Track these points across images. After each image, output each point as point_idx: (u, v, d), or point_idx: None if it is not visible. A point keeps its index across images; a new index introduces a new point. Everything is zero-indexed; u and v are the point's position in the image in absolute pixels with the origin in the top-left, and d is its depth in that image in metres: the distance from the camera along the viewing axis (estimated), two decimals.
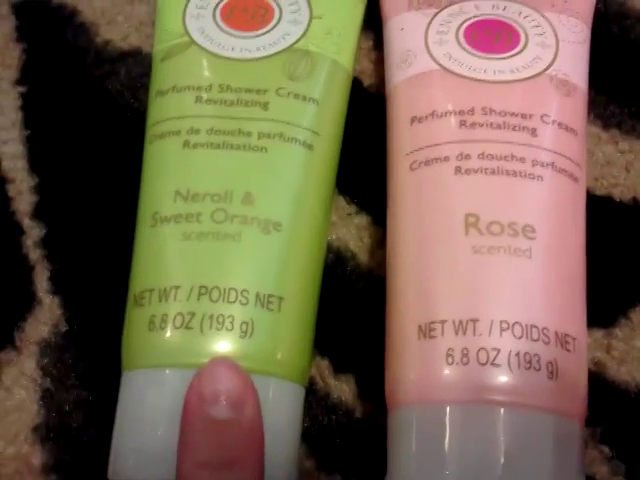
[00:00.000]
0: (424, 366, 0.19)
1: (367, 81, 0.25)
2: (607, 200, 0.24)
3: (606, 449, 0.21)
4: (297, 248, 0.20)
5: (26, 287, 0.23)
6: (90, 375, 0.22)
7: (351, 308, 0.22)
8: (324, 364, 0.22)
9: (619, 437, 0.21)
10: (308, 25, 0.23)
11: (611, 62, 0.25)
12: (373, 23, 0.25)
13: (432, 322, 0.19)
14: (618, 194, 0.24)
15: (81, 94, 0.25)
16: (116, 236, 0.23)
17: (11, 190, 0.24)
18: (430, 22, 0.23)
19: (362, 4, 0.24)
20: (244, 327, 0.18)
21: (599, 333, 0.22)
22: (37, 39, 0.26)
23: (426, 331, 0.19)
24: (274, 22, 0.22)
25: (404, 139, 0.22)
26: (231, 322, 0.18)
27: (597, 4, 0.25)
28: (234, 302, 0.18)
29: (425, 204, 0.20)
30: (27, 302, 0.23)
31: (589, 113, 0.25)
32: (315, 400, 0.22)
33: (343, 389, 0.22)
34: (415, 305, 0.19)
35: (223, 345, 0.18)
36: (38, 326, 0.22)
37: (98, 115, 0.25)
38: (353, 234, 0.23)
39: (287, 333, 0.19)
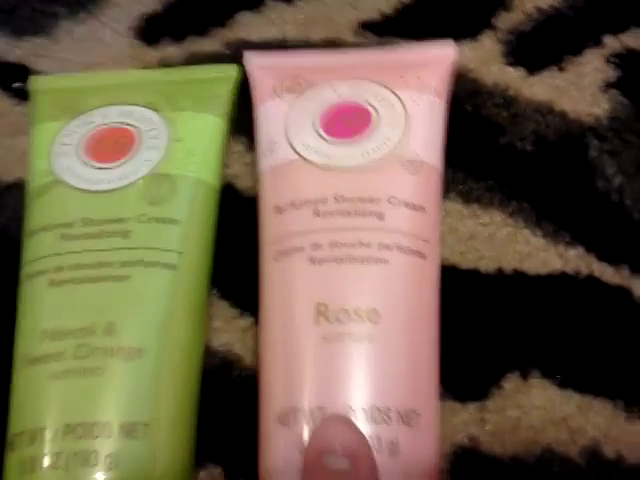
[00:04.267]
0: (281, 452, 0.19)
1: (241, 184, 0.26)
2: (474, 273, 0.24)
3: None
4: (162, 371, 0.20)
5: None
6: None
7: (240, 412, 0.23)
8: (217, 472, 0.22)
9: None
10: (168, 149, 0.23)
11: (466, 139, 0.26)
12: (244, 126, 0.26)
13: (287, 410, 0.19)
14: (484, 266, 0.24)
15: None
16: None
17: None
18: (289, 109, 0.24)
19: (222, 120, 0.25)
20: (108, 460, 0.19)
21: (473, 407, 0.22)
22: None
23: (282, 419, 0.19)
24: (134, 150, 0.23)
25: (269, 229, 0.22)
26: (95, 457, 0.19)
27: (453, 84, 0.25)
28: (98, 437, 0.19)
29: (285, 294, 0.21)
30: None
31: (450, 191, 0.25)
32: None
33: None
34: (274, 393, 0.20)
35: None
36: None
37: None
38: (238, 337, 0.24)
39: (156, 456, 0.19)
